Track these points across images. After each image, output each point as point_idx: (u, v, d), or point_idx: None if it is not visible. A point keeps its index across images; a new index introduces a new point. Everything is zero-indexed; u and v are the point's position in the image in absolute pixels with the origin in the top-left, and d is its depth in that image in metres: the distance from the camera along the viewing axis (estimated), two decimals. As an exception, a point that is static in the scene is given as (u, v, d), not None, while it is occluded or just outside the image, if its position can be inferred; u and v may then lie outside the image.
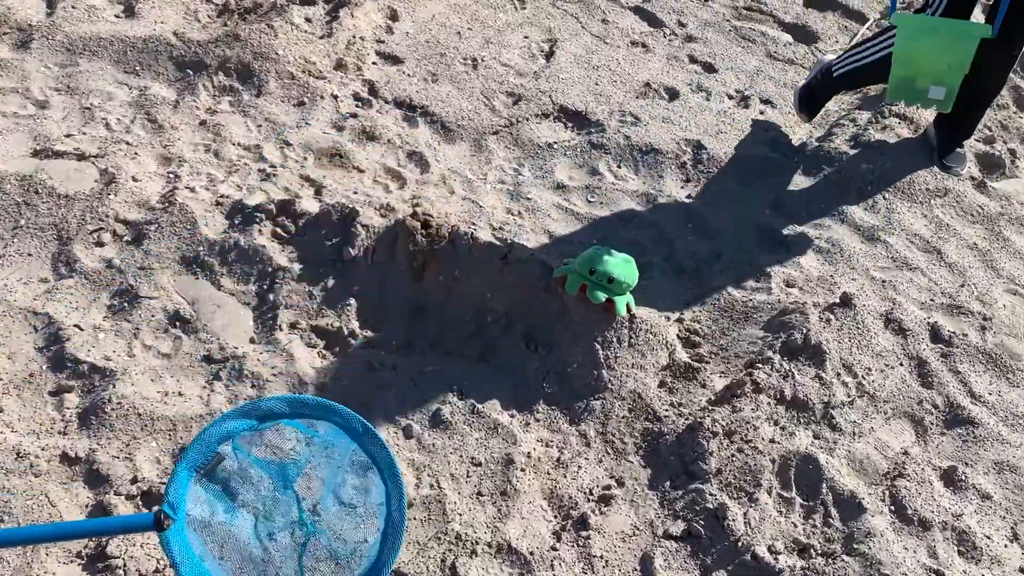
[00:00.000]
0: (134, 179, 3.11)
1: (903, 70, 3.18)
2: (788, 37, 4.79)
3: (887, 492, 2.64)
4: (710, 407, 2.77)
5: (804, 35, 4.83)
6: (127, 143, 3.33)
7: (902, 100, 3.22)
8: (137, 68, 3.72)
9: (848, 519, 2.54)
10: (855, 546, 2.47)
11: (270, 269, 2.90)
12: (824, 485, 2.60)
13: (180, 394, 2.60)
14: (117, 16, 3.97)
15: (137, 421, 2.49)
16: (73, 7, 3.89)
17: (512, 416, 2.73)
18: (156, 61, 3.74)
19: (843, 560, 2.44)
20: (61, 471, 2.39)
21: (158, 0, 4.06)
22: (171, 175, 3.21)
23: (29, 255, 2.89)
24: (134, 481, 2.39)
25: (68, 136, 3.32)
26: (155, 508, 1.77)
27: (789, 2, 4.98)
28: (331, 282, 2.90)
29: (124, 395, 2.53)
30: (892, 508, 2.56)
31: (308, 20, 4.04)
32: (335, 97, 3.78)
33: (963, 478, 2.68)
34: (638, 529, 2.51)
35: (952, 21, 3.02)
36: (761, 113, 4.21)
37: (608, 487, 2.59)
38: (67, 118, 3.43)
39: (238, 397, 2.62)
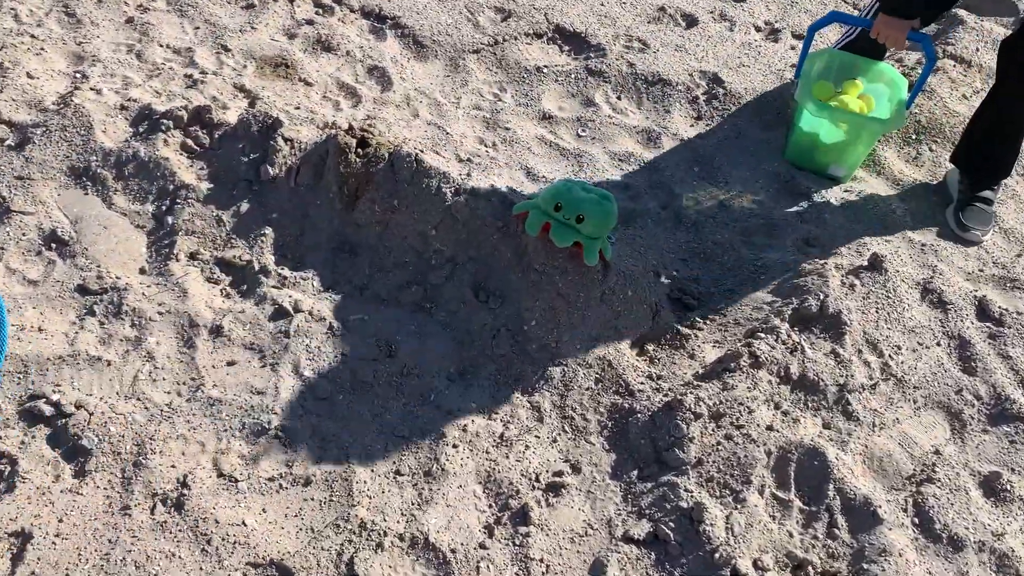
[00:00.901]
0: (29, 76, 2.62)
1: (802, 142, 3.00)
2: (831, -32, 4.16)
3: (910, 500, 2.12)
4: (696, 382, 2.24)
5: (849, -33, 4.20)
6: (33, 36, 2.84)
7: (800, 167, 3.05)
8: (62, -44, 3.22)
9: (859, 531, 2.02)
10: (865, 566, 1.95)
11: (172, 187, 2.40)
12: (831, 487, 2.08)
13: (40, 329, 2.12)
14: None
15: (-20, 359, 2.02)
16: None
17: (450, 381, 2.23)
18: (84, -50, 3.23)
19: (848, 583, 1.92)
20: None
21: None
22: (77, 75, 2.71)
23: None
24: (-37, 432, 1.92)
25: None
26: None
27: (835, -70, 4.34)
28: (244, 206, 2.40)
29: (-33, 327, 2.05)
30: (915, 521, 2.05)
31: (271, -85, 3.50)
32: (291, 1, 3.25)
33: (1008, 488, 2.15)
34: (592, 528, 2.01)
35: (852, 112, 2.89)
36: (792, 48, 3.62)
37: (560, 473, 2.09)
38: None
39: (112, 337, 2.13)
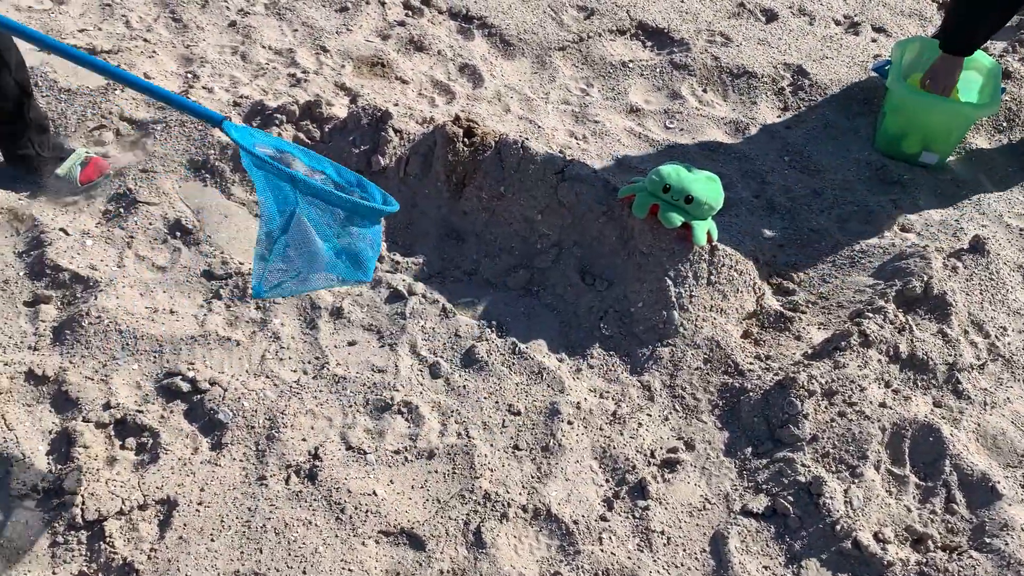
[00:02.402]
0: (146, 76, 2.74)
1: (895, 129, 2.99)
2: (906, -37, 4.16)
3: (1029, 477, 2.10)
4: (806, 362, 2.26)
5: (925, -39, 4.19)
6: (145, 40, 2.97)
7: (891, 155, 3.05)
8: (167, -35, 3.37)
9: (978, 506, 2.02)
10: (987, 540, 1.95)
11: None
12: (947, 463, 2.08)
13: (172, 312, 2.21)
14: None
15: (118, 339, 2.12)
16: (105, -98, 3.55)
17: (561, 360, 2.27)
18: (188, -41, 3.38)
19: (970, 556, 1.92)
20: (25, 391, 2.03)
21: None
22: (189, 75, 2.83)
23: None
24: (107, 407, 2.02)
25: (82, 31, 2.97)
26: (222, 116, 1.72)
27: (909, -75, 4.34)
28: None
29: (106, 308, 2.15)
30: (1036, 497, 2.02)
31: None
32: (382, 3, 3.34)
33: None
34: (709, 502, 2.03)
35: (945, 99, 2.84)
36: (873, 41, 3.62)
37: (674, 450, 2.11)
38: (85, 14, 3.08)
39: (239, 319, 2.22)
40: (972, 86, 3.01)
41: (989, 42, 3.60)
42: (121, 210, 2.42)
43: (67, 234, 2.34)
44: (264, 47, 3.06)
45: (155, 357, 2.12)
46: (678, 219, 2.26)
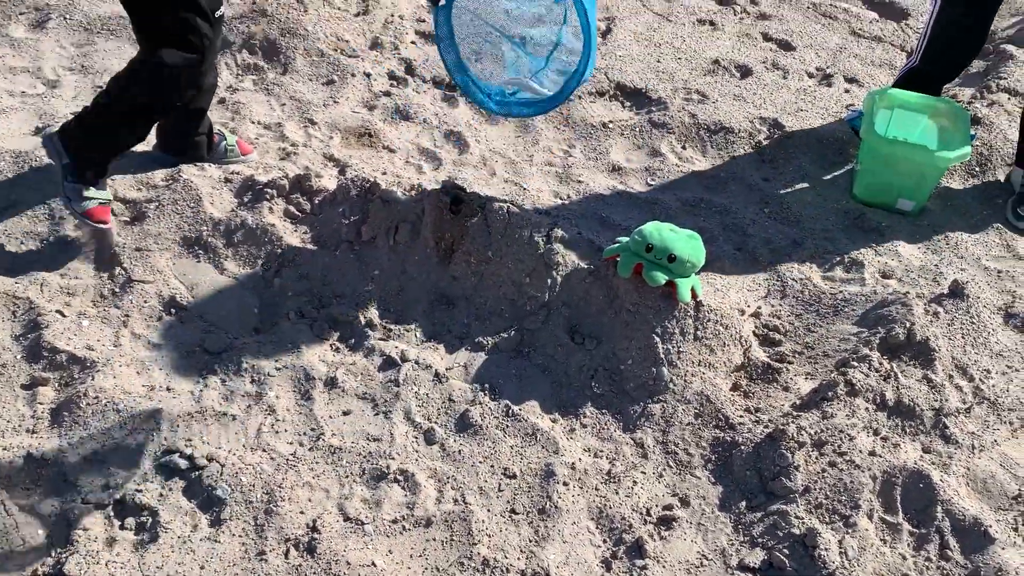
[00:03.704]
0: (137, 156, 2.80)
1: (870, 179, 3.10)
2: (874, 15, 4.30)
3: (1020, 519, 2.13)
4: (795, 413, 2.30)
5: (892, 12, 4.34)
6: (137, 120, 3.04)
7: (869, 204, 3.14)
8: (156, 47, 3.46)
9: (972, 551, 2.05)
10: (983, 586, 1.96)
11: (279, 251, 2.54)
12: (939, 508, 2.11)
13: (168, 389, 2.25)
14: (142, -3, 3.72)
15: (116, 419, 2.15)
16: (95, -13, 3.66)
17: (554, 420, 2.30)
18: (177, 39, 3.47)
19: (968, 603, 1.93)
20: (24, 474, 2.05)
21: (187, -18, 3.80)
22: (181, 153, 2.90)
23: (17, 236, 2.59)
24: (106, 488, 2.04)
25: (74, 114, 3.04)
26: None
27: (874, -22, 4.49)
28: (347, 266, 2.53)
29: (103, 388, 2.19)
30: (1029, 539, 2.05)
31: (343, -3, 3.73)
32: (368, 76, 3.44)
33: (1117, 504, 2.14)
34: (707, 559, 2.05)
35: (918, 147, 2.98)
36: (846, 91, 3.73)
37: (670, 507, 2.14)
38: (77, 97, 3.16)
39: (234, 394, 2.25)
40: (943, 134, 3.10)
41: (958, 89, 3.72)
42: (116, 289, 2.46)
43: (63, 315, 2.37)
44: (253, 122, 3.14)
45: (153, 435, 2.14)
46: (662, 277, 2.32)
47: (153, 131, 2.69)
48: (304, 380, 2.30)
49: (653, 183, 3.20)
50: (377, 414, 2.26)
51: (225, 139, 2.86)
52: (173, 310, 2.44)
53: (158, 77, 2.37)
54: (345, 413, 2.25)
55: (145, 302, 2.43)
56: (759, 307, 2.73)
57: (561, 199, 3.07)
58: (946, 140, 3.07)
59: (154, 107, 2.46)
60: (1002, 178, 3.27)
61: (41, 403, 2.20)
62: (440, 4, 2.26)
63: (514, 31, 2.43)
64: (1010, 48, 3.84)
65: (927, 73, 3.20)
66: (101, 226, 2.47)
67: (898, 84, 3.28)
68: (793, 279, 2.82)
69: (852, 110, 3.52)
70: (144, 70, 2.39)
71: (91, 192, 2.46)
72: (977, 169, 3.31)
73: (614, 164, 3.26)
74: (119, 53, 3.37)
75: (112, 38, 3.46)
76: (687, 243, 2.34)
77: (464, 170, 3.12)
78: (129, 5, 2.40)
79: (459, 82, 2.62)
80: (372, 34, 3.67)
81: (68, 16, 3.50)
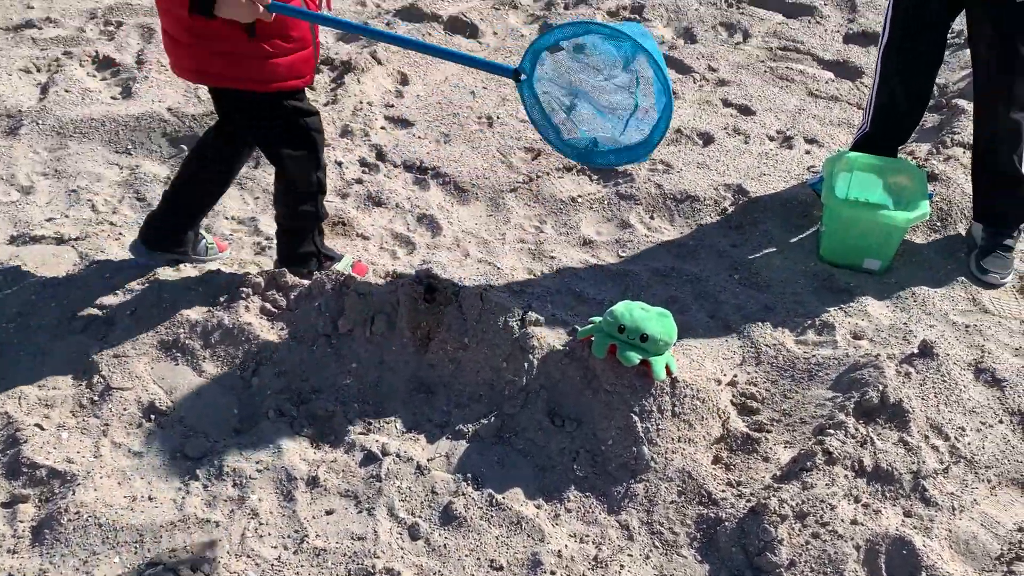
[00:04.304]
0: (114, 261, 2.83)
1: (835, 241, 3.16)
2: (830, 75, 4.43)
3: (1005, 581, 2.15)
4: (776, 485, 2.32)
5: (847, 71, 4.47)
6: (111, 224, 3.08)
7: (835, 264, 3.20)
8: (129, 147, 3.51)
9: (960, 617, 2.05)
10: (972, 652, 1.97)
11: (256, 348, 2.56)
12: (923, 574, 2.12)
13: (150, 498, 2.24)
14: (114, 98, 3.79)
15: (98, 533, 2.14)
16: (67, 91, 3.72)
17: (538, 507, 2.31)
18: (149, 139, 3.52)
19: (959, 672, 1.94)
20: (6, 597, 2.03)
21: (157, 80, 3.88)
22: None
23: (-6, 349, 2.60)
24: (89, 606, 2.02)
25: (49, 220, 3.08)
26: (514, 67, 2.35)
27: (828, 40, 4.64)
28: (325, 360, 2.55)
29: (84, 503, 2.18)
30: (1014, 601, 2.06)
31: (311, 88, 3.81)
32: (339, 164, 3.50)
33: (1099, 559, 2.17)
34: (697, 641, 2.05)
35: (880, 211, 3.10)
36: (807, 153, 3.83)
37: (657, 589, 2.14)
38: (51, 202, 3.20)
39: (217, 499, 2.25)
40: (903, 192, 3.18)
41: (915, 145, 3.83)
42: (95, 398, 2.47)
43: (42, 429, 2.37)
44: (227, 218, 3.18)
45: (136, 548, 2.13)
46: (636, 357, 2.35)
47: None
48: (286, 481, 2.30)
49: (624, 254, 3.26)
50: (360, 511, 2.26)
51: (204, 237, 2.90)
52: (153, 416, 2.44)
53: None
54: (328, 512, 2.25)
55: (124, 410, 2.44)
56: (735, 375, 2.77)
57: (534, 276, 3.11)
58: (906, 199, 3.15)
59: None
60: (963, 232, 3.36)
61: (22, 521, 2.18)
62: (522, 79, 2.34)
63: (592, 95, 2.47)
64: (961, 103, 3.96)
65: (879, 137, 3.31)
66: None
67: (855, 148, 3.38)
68: (767, 345, 2.86)
69: (814, 173, 3.61)
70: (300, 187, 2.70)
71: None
72: (939, 224, 3.39)
73: (585, 238, 3.32)
74: (92, 156, 3.42)
75: (85, 140, 3.51)
76: (658, 322, 2.38)
77: (438, 253, 3.17)
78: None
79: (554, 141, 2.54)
80: (342, 122, 3.74)
81: (40, 121, 3.56)
